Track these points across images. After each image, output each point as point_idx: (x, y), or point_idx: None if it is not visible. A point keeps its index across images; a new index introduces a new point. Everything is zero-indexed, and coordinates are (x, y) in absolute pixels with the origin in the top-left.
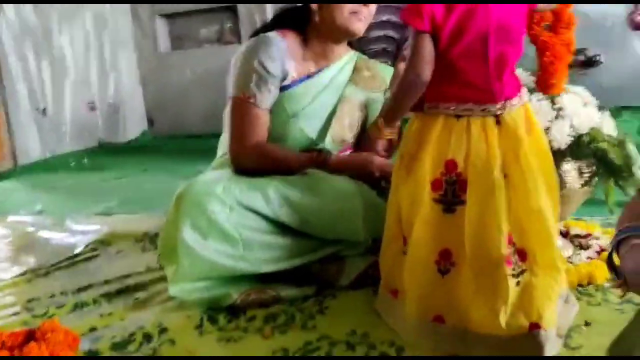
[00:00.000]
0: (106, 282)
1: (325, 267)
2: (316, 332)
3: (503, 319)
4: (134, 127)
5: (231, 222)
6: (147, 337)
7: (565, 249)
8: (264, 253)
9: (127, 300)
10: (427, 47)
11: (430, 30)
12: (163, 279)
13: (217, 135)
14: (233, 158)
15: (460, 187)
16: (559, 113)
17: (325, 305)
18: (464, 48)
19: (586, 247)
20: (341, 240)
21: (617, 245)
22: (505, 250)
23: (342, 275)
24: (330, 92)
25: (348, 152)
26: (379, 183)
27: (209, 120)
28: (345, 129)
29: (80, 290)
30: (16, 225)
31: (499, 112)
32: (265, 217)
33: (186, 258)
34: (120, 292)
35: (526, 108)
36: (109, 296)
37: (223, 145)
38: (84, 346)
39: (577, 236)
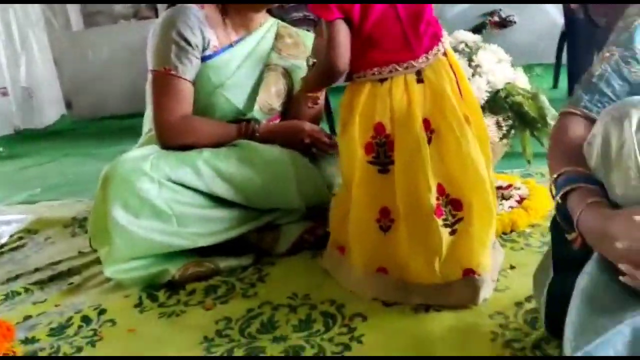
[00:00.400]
0: (36, 269)
1: (262, 236)
2: (257, 299)
3: (438, 268)
4: (51, 111)
5: (162, 198)
6: (86, 320)
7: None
8: (198, 227)
9: (61, 285)
10: (342, 32)
11: (342, 15)
12: (97, 261)
13: (141, 115)
14: (159, 134)
15: (390, 147)
16: (475, 70)
17: (265, 273)
18: (376, 18)
19: (508, 198)
20: (276, 209)
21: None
22: (435, 201)
23: (279, 243)
24: (254, 61)
25: (277, 121)
26: (310, 149)
27: (130, 99)
28: (272, 97)
29: (9, 280)
30: None
31: (422, 66)
32: (198, 191)
33: (119, 238)
34: (53, 279)
35: (449, 54)
36: (41, 284)
37: (148, 121)
38: (19, 335)
39: (500, 188)
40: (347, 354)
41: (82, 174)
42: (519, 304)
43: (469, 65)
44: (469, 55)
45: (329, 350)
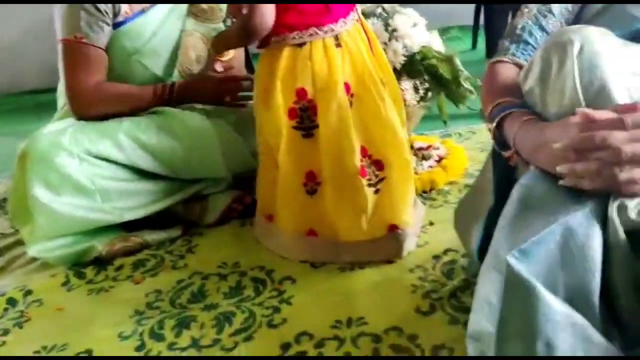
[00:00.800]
0: None
1: (189, 207)
2: (187, 270)
3: (364, 225)
4: None
5: (83, 173)
6: (11, 302)
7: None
8: (123, 201)
9: None
10: None
11: None
12: (19, 242)
13: (56, 89)
14: (72, 104)
15: (313, 112)
16: (392, 34)
17: (194, 244)
18: None
19: (427, 158)
20: (202, 180)
21: (501, 121)
22: (359, 163)
23: (207, 214)
24: (170, 27)
25: None
26: (223, 99)
27: (45, 73)
28: (192, 63)
29: None
30: None
31: (341, 31)
32: (120, 164)
33: (41, 216)
34: None
35: (362, 22)
36: None
37: (62, 95)
38: None
39: (420, 149)
40: (276, 316)
41: (2, 154)
42: (437, 257)
43: (386, 29)
44: (385, 19)
45: (259, 314)
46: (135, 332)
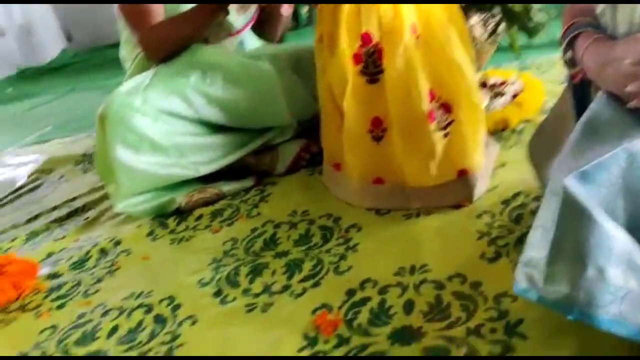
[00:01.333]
0: (54, 208)
1: (260, 158)
2: (260, 219)
3: (433, 170)
4: (52, 46)
5: (158, 131)
6: (103, 252)
7: (482, 99)
8: (197, 156)
9: (78, 221)
10: None
11: None
12: (107, 197)
13: None
14: (145, 51)
15: (379, 56)
16: None
17: (267, 193)
18: None
19: (501, 94)
20: (270, 130)
21: (573, 39)
22: (427, 106)
23: (277, 163)
24: None
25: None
26: None
27: None
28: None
29: (30, 220)
30: None
31: None
32: (190, 119)
33: (123, 175)
34: (70, 215)
35: None
36: (59, 221)
37: (127, 58)
38: (44, 271)
39: (494, 85)
40: (342, 263)
41: (90, 108)
42: (505, 202)
43: None
44: None
45: (327, 261)
46: (213, 279)
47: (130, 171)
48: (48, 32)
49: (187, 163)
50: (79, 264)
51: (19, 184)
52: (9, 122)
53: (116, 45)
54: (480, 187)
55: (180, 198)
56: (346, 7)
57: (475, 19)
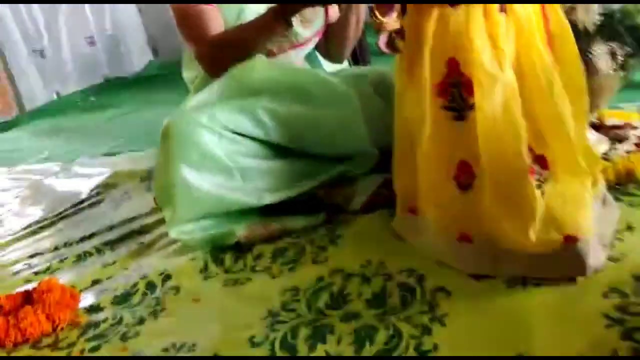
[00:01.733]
0: (110, 228)
1: (333, 191)
2: (328, 265)
3: (533, 235)
4: (138, 58)
5: (223, 150)
6: (150, 287)
7: (599, 143)
8: (263, 181)
9: (131, 245)
10: None
11: None
12: (163, 221)
13: None
14: (205, 65)
15: (467, 89)
16: None
17: (338, 234)
18: None
19: (623, 139)
20: (346, 158)
21: None
22: (528, 159)
23: (353, 199)
24: None
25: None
26: None
27: None
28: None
29: (83, 239)
30: (23, 175)
31: None
32: (259, 141)
33: (182, 196)
34: (124, 238)
35: None
36: (112, 244)
37: (187, 65)
38: (86, 301)
39: (614, 127)
40: (426, 339)
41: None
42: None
43: None
44: None
45: (407, 333)
46: (267, 338)
47: (190, 191)
48: (135, 44)
49: (251, 189)
50: (123, 298)
51: (82, 196)
52: (84, 131)
53: None
54: (596, 257)
55: (241, 231)
56: (430, 27)
57: (602, 47)
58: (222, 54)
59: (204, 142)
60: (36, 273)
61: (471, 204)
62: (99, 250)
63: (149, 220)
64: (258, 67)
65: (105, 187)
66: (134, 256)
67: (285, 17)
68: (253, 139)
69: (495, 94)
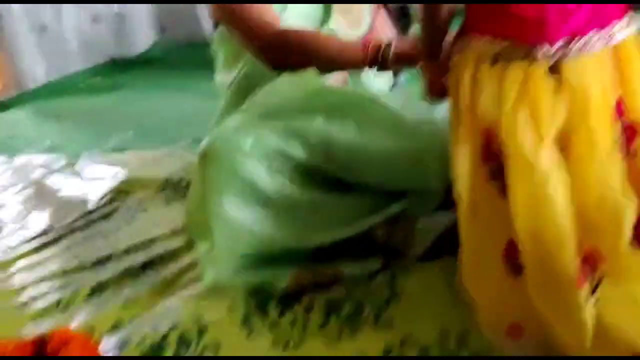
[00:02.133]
0: (127, 251)
1: (392, 232)
2: (395, 332)
3: (590, 345)
4: (144, 36)
5: (269, 181)
6: (183, 342)
7: None
8: (314, 217)
9: (155, 277)
10: None
11: None
12: (192, 245)
13: None
14: (263, 60)
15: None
16: None
17: (399, 286)
18: None
19: None
20: (406, 195)
21: None
22: (575, 264)
23: (414, 242)
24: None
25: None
26: None
27: None
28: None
29: (98, 263)
30: (24, 169)
31: (553, 60)
32: (310, 171)
33: (222, 232)
34: (145, 267)
35: (625, 47)
36: (132, 273)
37: (223, 87)
38: (106, 351)
39: None
40: None
41: (178, 115)
42: None
43: None
44: None
45: None
46: None
47: (232, 227)
48: (142, 22)
49: (300, 225)
50: (151, 353)
51: (90, 204)
52: (90, 117)
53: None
54: None
55: (287, 277)
56: (465, 80)
57: None
58: (286, 58)
59: (248, 172)
60: (46, 309)
61: (524, 290)
62: (117, 281)
63: (172, 244)
64: (311, 81)
65: (117, 194)
66: (159, 293)
67: (384, 68)
68: (304, 167)
69: (532, 180)
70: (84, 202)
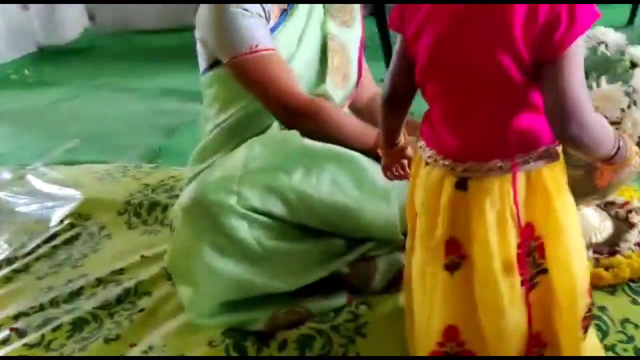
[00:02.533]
0: (99, 281)
1: (355, 270)
2: None
3: None
4: (74, 25)
5: (252, 235)
6: None
7: (602, 227)
8: (292, 264)
9: (132, 311)
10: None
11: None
12: (164, 274)
13: (171, 31)
14: (282, 118)
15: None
16: (632, 97)
17: (362, 321)
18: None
19: (630, 225)
20: (372, 238)
21: None
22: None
23: (374, 278)
24: (313, 29)
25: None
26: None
27: (159, 14)
28: (335, 70)
29: (72, 296)
30: None
31: (463, 175)
32: (288, 223)
33: (206, 280)
34: (120, 300)
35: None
36: (109, 307)
37: (208, 121)
38: None
39: (612, 204)
40: None
41: (122, 119)
42: None
43: (625, 93)
44: (623, 77)
45: None
46: None
47: (214, 276)
48: (71, 9)
49: (277, 273)
50: None
51: (51, 226)
52: (28, 119)
53: (141, 32)
54: None
55: (264, 317)
56: (433, 195)
57: None
58: (312, 125)
59: (232, 227)
60: (30, 346)
61: None
62: (95, 317)
63: (143, 275)
64: (292, 138)
65: (77, 219)
66: (138, 329)
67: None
68: (282, 221)
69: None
70: (43, 223)
